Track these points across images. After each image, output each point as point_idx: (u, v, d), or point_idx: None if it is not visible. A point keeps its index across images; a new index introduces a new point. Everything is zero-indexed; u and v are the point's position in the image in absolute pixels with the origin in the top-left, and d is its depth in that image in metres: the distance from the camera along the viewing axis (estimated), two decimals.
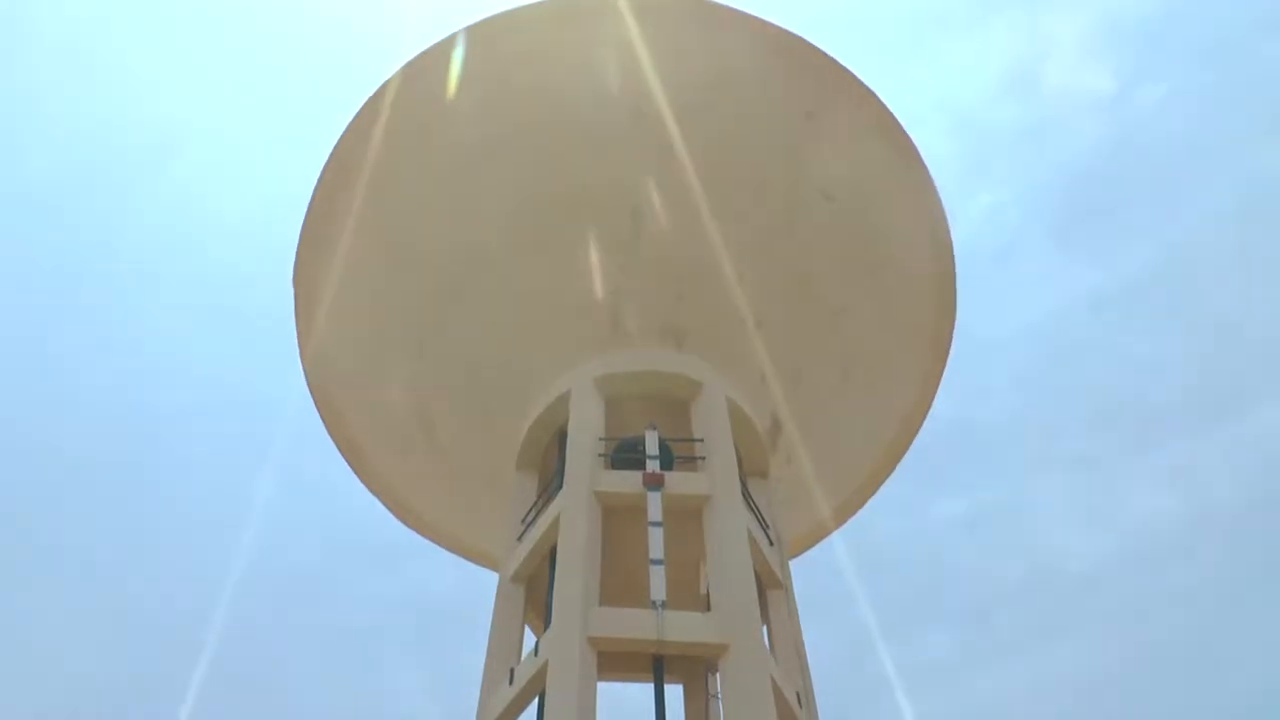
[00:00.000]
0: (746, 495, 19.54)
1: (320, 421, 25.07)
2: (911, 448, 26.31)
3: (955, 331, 25.25)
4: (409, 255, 22.56)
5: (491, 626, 18.62)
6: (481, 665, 18.23)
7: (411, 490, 25.18)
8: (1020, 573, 55.87)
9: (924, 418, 26.00)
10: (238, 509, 57.88)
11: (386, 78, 22.83)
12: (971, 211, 53.82)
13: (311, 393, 24.77)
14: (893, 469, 26.07)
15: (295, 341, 24.29)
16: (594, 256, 21.37)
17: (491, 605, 19.17)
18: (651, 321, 21.49)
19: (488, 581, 21.05)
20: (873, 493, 26.14)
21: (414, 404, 23.37)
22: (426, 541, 26.12)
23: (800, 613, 19.69)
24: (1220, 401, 53.65)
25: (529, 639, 18.38)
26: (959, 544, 56.57)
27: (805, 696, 17.83)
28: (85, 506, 55.15)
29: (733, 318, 22.01)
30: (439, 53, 22.50)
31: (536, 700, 16.56)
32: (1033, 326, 57.21)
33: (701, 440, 19.67)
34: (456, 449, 23.50)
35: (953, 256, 24.56)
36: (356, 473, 25.39)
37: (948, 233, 24.33)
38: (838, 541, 26.79)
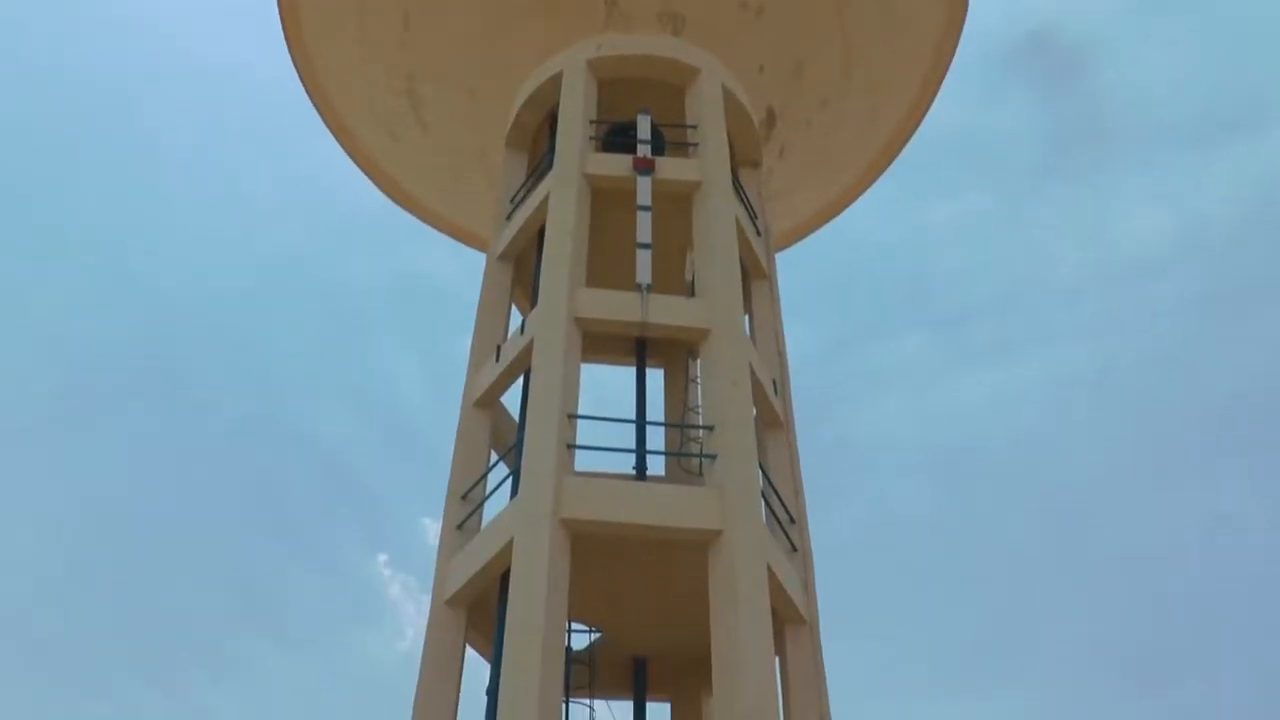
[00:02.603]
0: (737, 184, 19.47)
1: (308, 100, 24.57)
2: (907, 151, 26.03)
3: (963, 34, 24.51)
4: None
5: (479, 304, 18.90)
6: (469, 345, 18.62)
7: (401, 169, 24.98)
8: (1005, 282, 56.62)
9: (922, 120, 25.59)
10: (228, 189, 57.80)
11: None
12: None
13: (297, 70, 24.15)
14: (885, 169, 25.89)
15: (278, 16, 23.47)
16: None
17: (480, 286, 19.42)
18: (649, 5, 20.76)
19: (477, 264, 21.15)
20: (864, 191, 26.05)
21: (402, 81, 22.84)
22: (417, 222, 26.17)
23: (782, 307, 19.99)
24: (1231, 119, 52.89)
25: (515, 319, 18.68)
26: (945, 250, 56.97)
27: (781, 385, 18.35)
28: (80, 187, 54.87)
29: (733, 5, 21.26)
30: None
31: (522, 378, 17.01)
32: (1044, 33, 55.59)
33: (694, 127, 19.42)
34: (445, 128, 23.18)
35: None
36: (346, 151, 25.12)
37: None
38: (824, 239, 26.95)
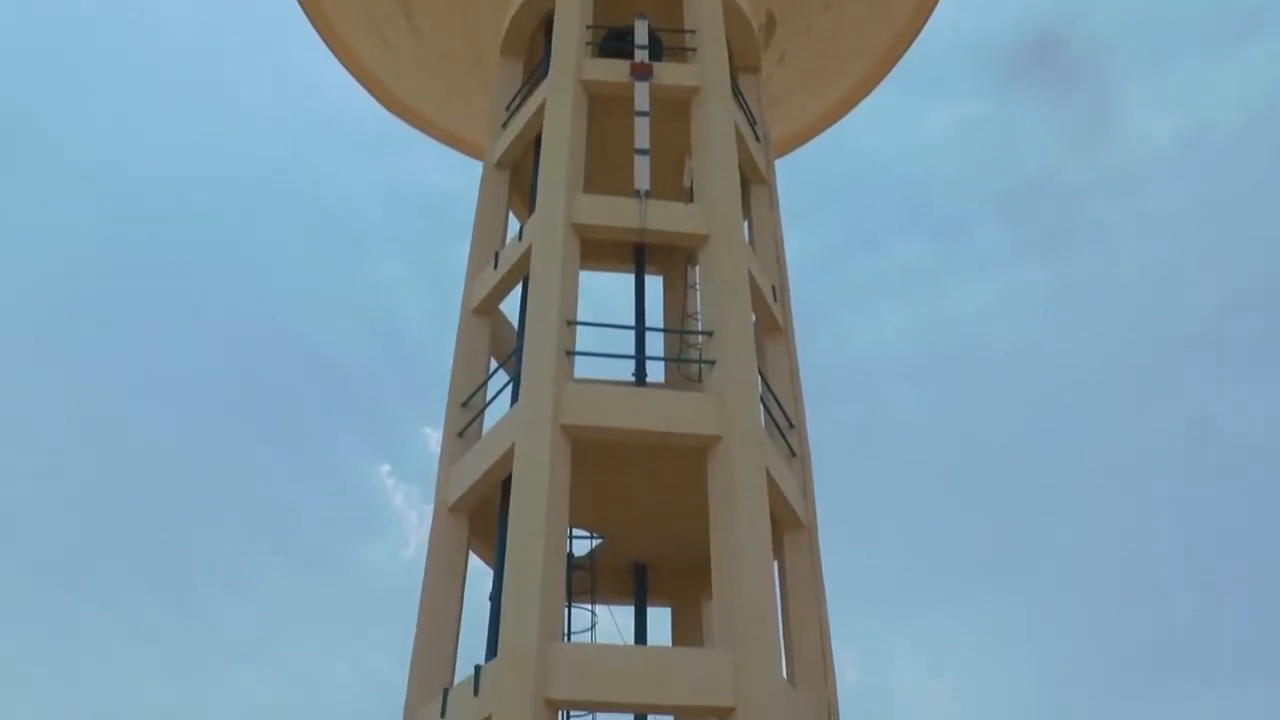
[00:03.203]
0: (735, 90, 19.21)
1: (299, 7, 24.13)
2: (908, 56, 25.66)
3: None
4: None
5: (476, 211, 18.77)
6: (467, 253, 18.52)
7: (395, 77, 24.63)
8: (1006, 187, 56.23)
9: (924, 25, 25.20)
10: (222, 97, 57.16)
11: None
12: None
13: None
14: (887, 74, 25.55)
15: None
16: None
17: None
18: None
19: (475, 172, 20.96)
20: (864, 97, 25.73)
21: None
22: (413, 130, 25.90)
23: (782, 213, 19.87)
24: (1241, 21, 52.00)
25: (513, 227, 18.56)
26: (946, 156, 56.51)
27: (781, 291, 18.31)
28: (73, 95, 54.23)
29: None
30: None
31: (521, 285, 16.96)
32: None
33: (693, 32, 19.09)
34: (439, 34, 22.82)
35: None
36: (339, 59, 24.74)
37: None
38: (824, 146, 26.72)
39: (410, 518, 53.11)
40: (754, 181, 19.12)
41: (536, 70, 19.51)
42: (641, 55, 18.29)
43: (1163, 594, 45.71)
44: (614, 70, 18.22)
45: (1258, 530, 44.61)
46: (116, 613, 47.74)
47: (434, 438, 17.86)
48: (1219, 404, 48.05)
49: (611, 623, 17.10)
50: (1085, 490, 48.66)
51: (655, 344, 18.73)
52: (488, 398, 16.76)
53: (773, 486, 14.62)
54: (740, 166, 17.74)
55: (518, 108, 19.23)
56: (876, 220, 57.14)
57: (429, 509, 16.21)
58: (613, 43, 19.30)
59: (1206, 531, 45.93)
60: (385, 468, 54.39)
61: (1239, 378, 47.94)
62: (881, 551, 44.86)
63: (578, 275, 15.95)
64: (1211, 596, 44.79)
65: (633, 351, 16.55)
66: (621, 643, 16.37)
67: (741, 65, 20.63)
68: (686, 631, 17.65)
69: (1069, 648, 45.45)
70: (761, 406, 15.48)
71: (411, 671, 14.89)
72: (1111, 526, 46.86)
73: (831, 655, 15.61)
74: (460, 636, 15.32)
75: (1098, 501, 47.89)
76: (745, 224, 18.26)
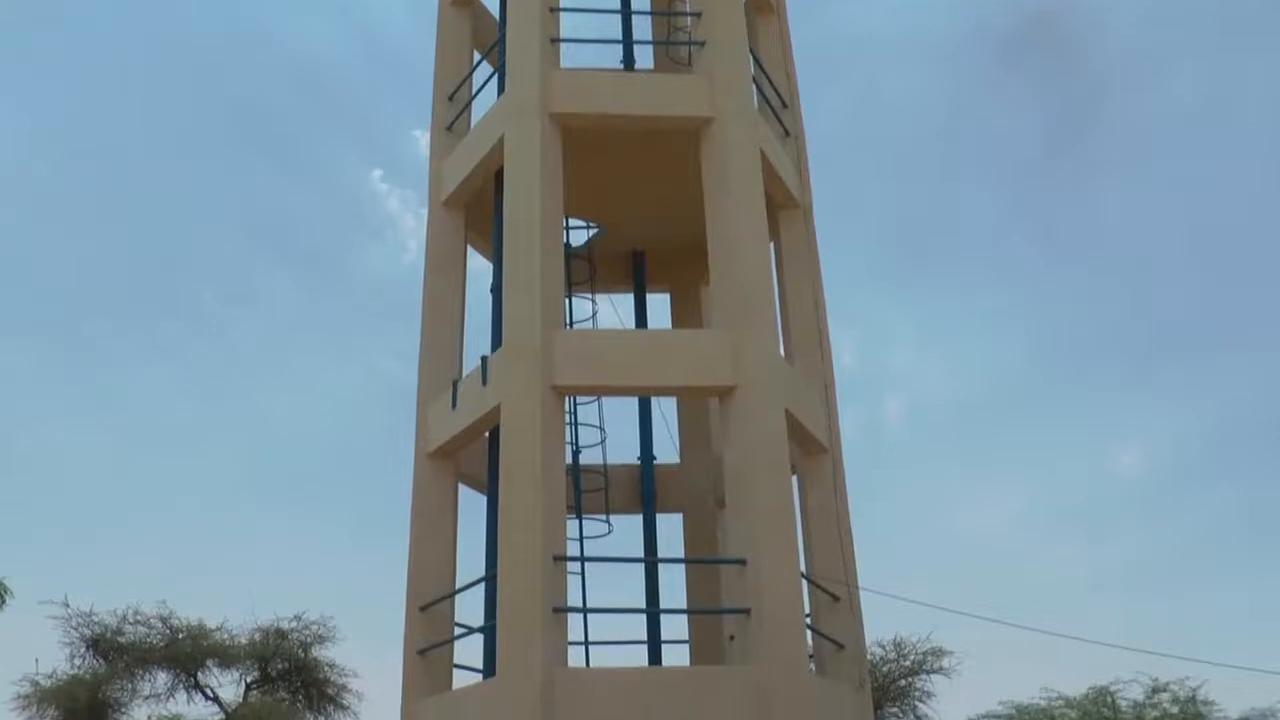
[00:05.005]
0: None
1: None
2: None
3: None
4: None
5: None
6: None
7: None
8: None
9: None
10: None
11: None
12: None
13: None
14: None
15: None
16: None
17: None
18: None
19: None
20: None
21: None
22: None
23: None
24: None
25: None
26: None
27: None
28: None
29: None
30: None
31: None
32: None
33: None
34: None
35: None
36: None
37: None
38: None
39: (407, 221, 53.08)
40: None
41: None
42: None
43: (1164, 274, 46.09)
44: None
45: (1268, 211, 44.42)
46: (131, 332, 48.55)
47: (424, 140, 17.66)
48: (1234, 79, 46.96)
49: (612, 312, 17.37)
50: (1088, 170, 48.36)
51: (643, 32, 18.18)
52: (474, 91, 16.44)
53: (767, 166, 14.53)
54: None
55: None
56: None
57: (425, 212, 16.21)
58: None
59: (1214, 211, 45.80)
60: (378, 172, 53.92)
61: (1256, 49, 46.65)
62: (877, 235, 45.14)
63: None
64: (1213, 276, 45.09)
65: (619, 38, 16.09)
66: (623, 328, 16.67)
67: None
68: (686, 317, 17.94)
69: (1060, 326, 46.29)
70: (754, 87, 15.17)
71: (421, 368, 15.26)
72: (1114, 206, 46.80)
73: (828, 332, 15.94)
74: (465, 331, 15.62)
75: (1101, 181, 47.63)
76: None
